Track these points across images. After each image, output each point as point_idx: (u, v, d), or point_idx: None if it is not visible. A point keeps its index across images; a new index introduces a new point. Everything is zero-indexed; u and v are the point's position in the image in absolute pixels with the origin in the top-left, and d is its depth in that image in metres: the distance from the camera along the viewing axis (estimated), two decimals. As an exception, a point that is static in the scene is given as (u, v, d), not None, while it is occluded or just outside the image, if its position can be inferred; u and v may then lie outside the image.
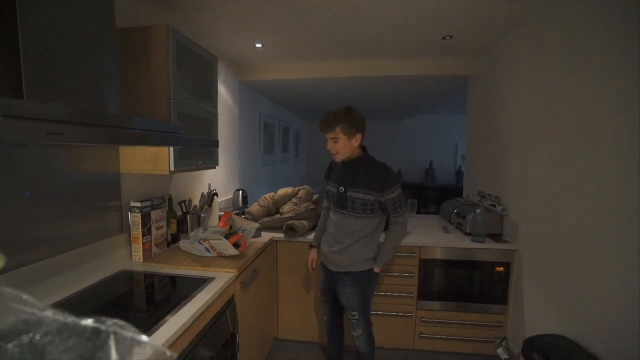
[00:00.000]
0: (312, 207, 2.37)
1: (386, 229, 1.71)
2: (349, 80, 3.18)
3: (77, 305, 1.17)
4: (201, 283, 1.36)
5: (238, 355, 1.51)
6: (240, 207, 2.76)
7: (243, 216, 2.29)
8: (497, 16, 1.92)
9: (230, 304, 1.45)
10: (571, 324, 1.47)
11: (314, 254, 1.85)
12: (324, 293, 1.81)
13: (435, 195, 6.14)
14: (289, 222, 2.17)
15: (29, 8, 0.82)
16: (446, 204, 2.78)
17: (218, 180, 2.67)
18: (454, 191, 5.39)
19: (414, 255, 2.11)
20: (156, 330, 1.00)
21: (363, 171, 1.57)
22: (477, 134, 2.76)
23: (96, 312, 1.15)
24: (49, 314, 0.28)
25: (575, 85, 1.51)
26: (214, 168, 1.97)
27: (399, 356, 2.18)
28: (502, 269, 2.05)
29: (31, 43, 0.83)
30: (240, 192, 2.83)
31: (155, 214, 1.67)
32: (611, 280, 1.28)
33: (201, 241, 1.64)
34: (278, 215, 2.35)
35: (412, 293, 2.15)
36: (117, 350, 0.28)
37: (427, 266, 2.12)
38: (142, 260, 1.60)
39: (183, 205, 2.04)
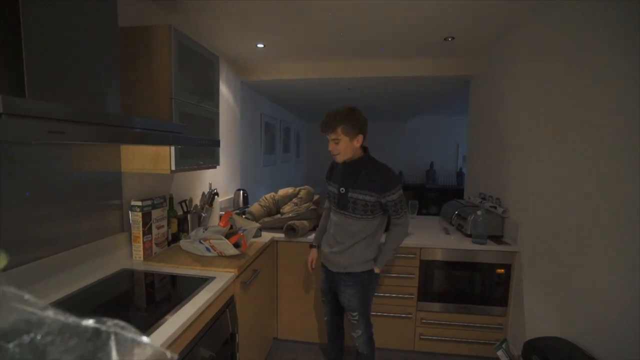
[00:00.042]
0: (313, 207, 2.37)
1: (387, 229, 1.71)
2: (350, 80, 3.18)
3: (77, 303, 1.17)
4: (201, 282, 1.36)
5: (237, 354, 1.51)
6: (241, 206, 2.76)
7: (243, 216, 2.29)
8: (498, 16, 1.92)
9: (230, 304, 1.45)
10: (571, 325, 1.47)
11: (313, 253, 1.85)
12: (324, 293, 1.81)
13: (436, 196, 6.14)
14: (290, 222, 2.17)
15: (32, 8, 0.82)
16: (447, 205, 2.78)
17: (219, 179, 2.68)
18: (455, 192, 5.39)
19: (414, 256, 2.11)
20: (156, 329, 1.00)
21: (364, 172, 1.57)
22: (477, 135, 2.76)
23: (96, 310, 1.16)
24: (50, 313, 0.28)
25: (575, 85, 1.51)
26: (215, 167, 1.97)
27: (398, 357, 2.18)
28: (502, 270, 2.05)
29: (33, 42, 0.83)
30: (241, 191, 2.83)
31: (155, 213, 1.67)
32: (611, 281, 1.27)
33: (201, 240, 1.64)
34: (278, 215, 2.35)
35: (412, 294, 2.15)
36: (118, 350, 0.28)
37: (427, 267, 2.11)
38: (142, 259, 1.60)
39: (183, 204, 2.05)
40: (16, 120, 0.63)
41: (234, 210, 2.53)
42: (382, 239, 1.69)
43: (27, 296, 0.29)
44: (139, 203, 1.57)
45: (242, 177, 3.33)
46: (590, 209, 1.39)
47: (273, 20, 2.02)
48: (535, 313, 1.79)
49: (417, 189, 6.33)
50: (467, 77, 2.88)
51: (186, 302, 1.18)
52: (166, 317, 1.07)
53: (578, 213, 1.47)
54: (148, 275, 1.47)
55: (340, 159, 1.59)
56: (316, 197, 2.56)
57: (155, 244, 1.68)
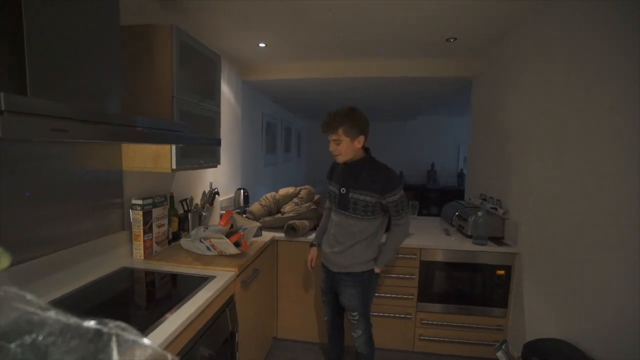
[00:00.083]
0: (313, 207, 2.38)
1: (388, 229, 1.71)
2: (351, 80, 3.18)
3: (77, 301, 1.18)
4: (201, 281, 1.36)
5: (237, 354, 1.51)
6: (242, 206, 2.76)
7: (244, 215, 2.29)
8: (498, 16, 1.92)
9: (230, 303, 1.45)
10: (571, 327, 1.46)
11: (313, 252, 1.85)
12: (325, 293, 1.81)
13: (437, 197, 6.13)
14: (290, 222, 2.17)
15: (34, 7, 0.83)
16: (447, 206, 2.78)
17: (219, 178, 2.68)
18: (456, 193, 5.38)
19: (415, 256, 2.11)
20: (156, 327, 1.00)
21: (365, 173, 1.57)
22: (479, 136, 2.76)
23: (96, 308, 1.16)
24: (52, 314, 0.28)
25: (576, 86, 1.51)
26: (216, 167, 1.97)
27: (398, 358, 2.18)
28: (502, 272, 2.05)
29: (35, 41, 0.83)
30: (242, 191, 2.83)
31: (156, 212, 1.67)
32: (611, 282, 1.27)
33: (202, 239, 1.64)
34: (279, 215, 2.35)
35: (412, 295, 2.14)
36: (119, 352, 0.28)
37: (427, 268, 2.11)
38: (142, 257, 1.60)
39: (184, 203, 2.05)
40: (19, 118, 0.63)
41: (234, 210, 2.53)
42: (383, 239, 1.69)
43: (29, 296, 0.29)
44: (140, 202, 1.57)
45: (242, 177, 3.33)
46: (591, 210, 1.39)
47: (273, 20, 2.02)
48: (535, 314, 1.79)
49: (417, 189, 6.32)
50: (468, 77, 2.87)
51: (186, 301, 1.18)
52: (166, 315, 1.07)
53: (578, 214, 1.47)
54: (148, 273, 1.47)
55: (341, 159, 1.58)
56: (317, 196, 2.56)
57: (156, 242, 1.68)
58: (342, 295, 1.69)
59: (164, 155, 1.53)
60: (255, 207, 2.43)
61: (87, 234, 1.40)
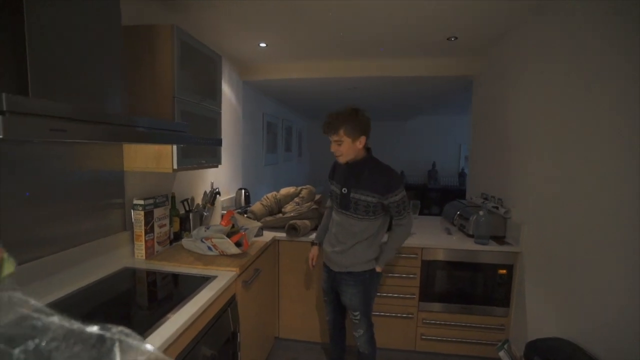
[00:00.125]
0: (314, 206, 2.37)
1: (390, 229, 1.71)
2: (352, 80, 3.17)
3: (79, 301, 1.18)
4: (203, 281, 1.36)
5: (239, 353, 1.51)
6: (243, 205, 2.76)
7: (245, 215, 2.29)
8: (498, 16, 1.92)
9: (232, 303, 1.45)
10: (573, 326, 1.46)
11: (314, 251, 1.86)
12: (326, 293, 1.81)
13: (438, 197, 6.12)
14: (291, 222, 2.17)
15: (35, 7, 0.83)
16: (449, 205, 2.77)
17: (221, 178, 2.68)
18: (457, 192, 5.38)
19: (416, 256, 2.10)
20: (158, 327, 1.00)
21: (367, 173, 1.56)
22: (480, 135, 2.75)
23: (99, 308, 1.16)
24: (55, 319, 0.28)
25: (576, 86, 1.51)
26: (217, 166, 1.97)
27: (399, 357, 2.17)
28: (504, 271, 2.04)
29: (37, 41, 0.83)
30: (243, 190, 2.83)
31: (157, 212, 1.67)
32: (612, 281, 1.27)
33: (203, 239, 1.64)
34: (280, 215, 2.35)
35: (413, 294, 2.14)
36: (122, 357, 0.28)
37: (429, 267, 2.11)
38: (144, 257, 1.60)
39: (185, 203, 2.05)
40: (20, 119, 0.63)
41: (235, 209, 2.53)
42: (385, 238, 1.69)
43: (33, 301, 0.29)
44: (141, 202, 1.57)
45: (243, 176, 3.33)
46: (591, 210, 1.39)
47: (273, 20, 2.02)
48: (537, 314, 1.78)
49: (418, 189, 6.31)
50: (469, 76, 2.87)
51: (188, 301, 1.18)
52: (168, 315, 1.07)
53: (578, 214, 1.47)
54: (150, 273, 1.47)
55: (342, 160, 1.58)
56: (318, 196, 2.56)
57: (157, 242, 1.68)
58: (343, 295, 1.69)
59: (166, 156, 1.53)
60: (256, 206, 2.43)
61: (88, 234, 1.40)
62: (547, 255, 1.70)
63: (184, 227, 1.97)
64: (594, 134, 1.39)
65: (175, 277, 1.45)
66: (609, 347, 1.26)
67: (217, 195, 2.26)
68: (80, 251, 1.35)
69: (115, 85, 1.13)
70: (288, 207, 2.42)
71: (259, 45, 2.48)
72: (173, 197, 1.88)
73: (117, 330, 0.28)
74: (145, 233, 1.60)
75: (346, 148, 1.53)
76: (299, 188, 2.59)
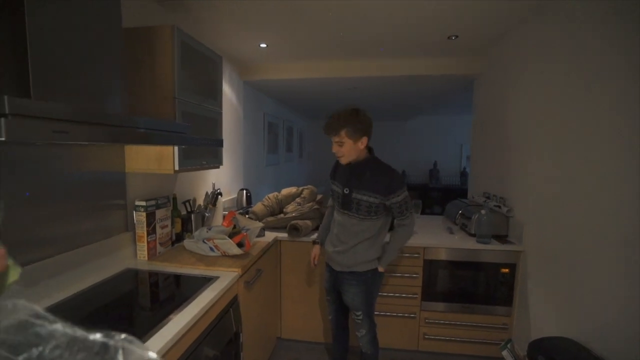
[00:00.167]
0: (316, 206, 2.37)
1: (391, 228, 1.70)
2: (353, 80, 3.17)
3: (82, 302, 1.18)
4: (205, 282, 1.36)
5: (241, 354, 1.51)
6: (244, 206, 2.76)
7: (247, 215, 2.29)
8: (498, 16, 1.91)
9: (234, 303, 1.45)
10: (578, 325, 1.46)
11: (316, 249, 1.86)
12: (329, 292, 1.81)
13: (440, 196, 6.11)
14: (293, 222, 2.17)
15: (36, 8, 0.83)
16: (450, 205, 2.77)
17: (222, 179, 2.68)
18: (458, 192, 5.36)
19: (418, 255, 2.10)
20: (160, 328, 1.00)
21: (369, 173, 1.56)
22: (481, 134, 2.75)
23: (102, 309, 1.16)
24: (59, 327, 0.28)
25: (576, 85, 1.52)
26: (218, 167, 1.98)
27: (402, 357, 2.17)
28: (507, 270, 2.03)
29: (38, 43, 0.83)
30: (244, 191, 2.84)
31: (159, 213, 1.67)
32: (614, 280, 1.27)
33: (205, 240, 1.64)
34: (282, 215, 2.35)
35: (416, 294, 2.14)
36: None
37: (431, 267, 2.10)
38: (146, 258, 1.61)
39: (187, 204, 2.05)
40: (22, 121, 0.63)
41: (237, 210, 2.53)
42: (387, 238, 1.68)
43: (37, 308, 0.29)
44: (143, 203, 1.58)
45: (245, 177, 3.33)
46: (591, 210, 1.39)
47: (273, 20, 2.02)
48: (541, 313, 1.78)
49: (420, 188, 6.31)
50: (471, 76, 2.86)
51: (190, 302, 1.18)
52: (170, 316, 1.07)
53: (579, 213, 1.47)
54: (152, 274, 1.48)
55: (344, 161, 1.57)
56: (319, 196, 2.56)
57: (159, 243, 1.69)
58: (345, 295, 1.69)
59: (167, 157, 1.53)
60: (257, 207, 2.43)
61: (91, 235, 1.40)
62: (547, 254, 1.70)
63: (186, 228, 1.97)
64: (594, 134, 1.39)
65: (178, 278, 1.45)
66: (609, 347, 1.25)
67: (219, 196, 2.26)
68: (83, 252, 1.35)
69: (116, 86, 1.13)
70: (289, 208, 2.42)
71: (259, 45, 2.48)
72: (175, 198, 1.88)
73: (120, 338, 0.28)
74: (148, 234, 1.60)
75: (348, 149, 1.52)
76: (301, 188, 2.59)
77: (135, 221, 1.60)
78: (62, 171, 1.26)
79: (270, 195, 2.56)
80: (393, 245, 1.64)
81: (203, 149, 1.74)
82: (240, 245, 1.64)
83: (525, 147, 1.96)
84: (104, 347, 0.28)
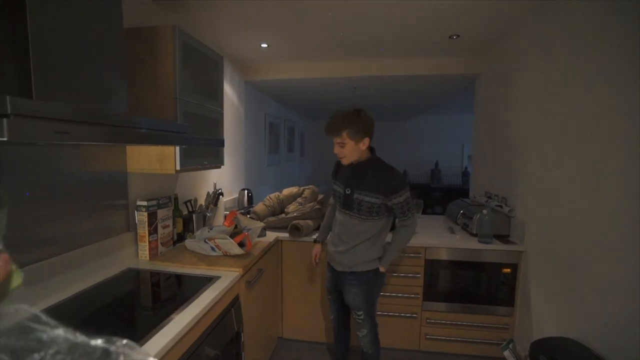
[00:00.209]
0: (317, 206, 2.37)
1: (393, 229, 1.70)
2: (353, 80, 3.17)
3: (83, 302, 1.18)
4: (206, 282, 1.37)
5: (243, 353, 1.51)
6: (245, 206, 2.77)
7: (248, 215, 2.30)
8: (498, 15, 1.91)
9: (235, 303, 1.46)
10: (580, 325, 1.45)
11: (317, 248, 1.87)
12: (330, 292, 1.81)
13: (441, 196, 6.11)
14: (294, 222, 2.17)
15: (38, 9, 0.83)
16: (452, 204, 2.76)
17: (223, 179, 2.69)
18: (460, 192, 5.35)
19: (420, 255, 2.10)
20: (162, 327, 1.00)
21: (371, 174, 1.55)
22: (483, 134, 2.74)
23: (103, 309, 1.17)
24: (60, 332, 0.28)
25: (575, 86, 1.51)
26: (219, 167, 1.98)
27: (404, 357, 2.17)
28: (508, 270, 2.03)
29: (40, 43, 0.84)
30: (245, 191, 2.84)
31: (161, 213, 1.68)
32: (615, 281, 1.26)
33: (206, 240, 1.65)
34: (283, 215, 2.35)
35: (417, 294, 2.14)
36: None
37: (432, 267, 2.10)
38: (148, 258, 1.61)
39: (189, 204, 2.06)
40: (23, 121, 0.64)
41: (238, 210, 2.53)
42: (388, 238, 1.68)
43: (39, 314, 0.29)
44: (145, 203, 1.58)
45: (246, 177, 3.34)
46: (591, 209, 1.39)
47: (273, 20, 2.02)
48: (543, 313, 1.77)
49: (421, 188, 6.30)
50: (472, 75, 2.86)
51: (192, 301, 1.18)
52: (172, 316, 1.08)
53: (579, 213, 1.47)
54: (154, 274, 1.48)
55: (346, 162, 1.57)
56: (320, 196, 2.56)
57: (161, 243, 1.69)
58: (347, 294, 1.69)
59: (168, 157, 1.54)
60: (259, 207, 2.43)
61: (93, 235, 1.41)
62: (552, 254, 1.70)
63: (187, 228, 1.97)
64: (594, 134, 1.38)
65: (179, 277, 1.45)
66: (616, 347, 1.25)
67: (220, 196, 2.27)
68: (84, 252, 1.35)
69: (117, 86, 1.13)
70: (291, 208, 2.42)
71: (260, 45, 2.48)
72: (176, 198, 1.88)
73: (121, 344, 0.28)
74: (149, 234, 1.60)
75: (349, 150, 1.52)
76: (302, 188, 2.59)
77: (136, 221, 1.60)
78: (64, 171, 1.27)
79: (272, 195, 2.56)
80: (394, 246, 1.64)
81: (204, 149, 1.74)
82: (241, 245, 1.65)
83: (525, 146, 1.95)
84: (105, 352, 0.28)
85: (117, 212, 1.55)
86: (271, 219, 2.31)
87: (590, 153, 1.41)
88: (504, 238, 2.12)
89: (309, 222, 2.23)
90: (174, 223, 1.83)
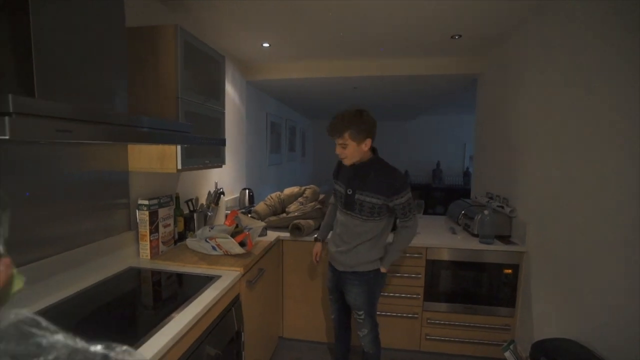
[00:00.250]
0: (318, 206, 2.37)
1: (394, 229, 1.70)
2: (354, 80, 3.17)
3: (84, 301, 1.19)
4: (207, 281, 1.37)
5: (243, 353, 1.51)
6: (247, 205, 2.77)
7: (249, 215, 2.30)
8: (498, 16, 1.91)
9: (236, 302, 1.46)
10: (581, 326, 1.45)
11: (317, 247, 1.87)
12: (331, 292, 1.81)
13: (442, 196, 6.10)
14: (295, 221, 2.17)
15: (41, 8, 0.83)
16: (453, 205, 2.76)
17: (224, 178, 2.69)
18: (461, 192, 5.34)
19: (420, 255, 2.09)
20: (163, 326, 1.01)
21: (372, 174, 1.55)
22: (484, 134, 2.74)
23: (104, 308, 1.17)
24: (60, 337, 0.28)
25: (576, 86, 1.51)
26: (221, 167, 1.98)
27: (404, 357, 2.17)
28: (510, 270, 2.03)
29: (42, 42, 0.84)
30: (247, 190, 2.84)
31: (162, 212, 1.68)
32: (612, 281, 1.26)
33: (207, 239, 1.65)
34: (284, 214, 2.35)
35: (418, 294, 2.13)
36: None
37: (433, 267, 2.10)
38: (149, 257, 1.61)
39: (190, 203, 2.06)
40: (25, 120, 0.64)
41: (239, 209, 2.54)
42: (390, 238, 1.68)
43: (39, 319, 0.29)
44: (146, 202, 1.58)
45: (247, 176, 3.34)
46: (591, 209, 1.39)
47: (273, 20, 2.02)
48: (544, 314, 1.77)
49: (423, 188, 6.29)
50: (474, 75, 2.85)
51: (192, 301, 1.18)
52: (173, 315, 1.08)
53: (579, 213, 1.46)
54: (155, 273, 1.48)
55: (348, 162, 1.57)
56: (322, 196, 2.56)
57: (162, 242, 1.69)
58: (347, 294, 1.69)
59: (170, 156, 1.54)
60: (260, 206, 2.43)
61: (94, 234, 1.41)
62: (554, 255, 1.69)
63: (188, 227, 1.97)
64: (594, 134, 1.38)
65: (180, 276, 1.46)
66: (609, 347, 1.25)
67: (221, 195, 2.27)
68: (86, 251, 1.36)
69: (119, 85, 1.13)
70: (292, 207, 2.42)
71: (262, 45, 2.48)
72: (177, 197, 1.88)
73: (121, 350, 0.29)
74: (150, 233, 1.61)
75: (351, 151, 1.51)
76: (303, 188, 2.59)
77: (138, 220, 1.61)
78: (64, 171, 1.27)
79: (273, 194, 2.56)
80: (395, 246, 1.64)
81: (206, 149, 1.74)
82: (242, 244, 1.65)
83: (526, 147, 1.95)
84: (105, 358, 0.28)
85: (118, 211, 1.56)
86: (272, 218, 2.32)
87: (590, 153, 1.41)
88: (505, 239, 2.12)
89: (310, 221, 2.23)
90: (175, 222, 1.84)
